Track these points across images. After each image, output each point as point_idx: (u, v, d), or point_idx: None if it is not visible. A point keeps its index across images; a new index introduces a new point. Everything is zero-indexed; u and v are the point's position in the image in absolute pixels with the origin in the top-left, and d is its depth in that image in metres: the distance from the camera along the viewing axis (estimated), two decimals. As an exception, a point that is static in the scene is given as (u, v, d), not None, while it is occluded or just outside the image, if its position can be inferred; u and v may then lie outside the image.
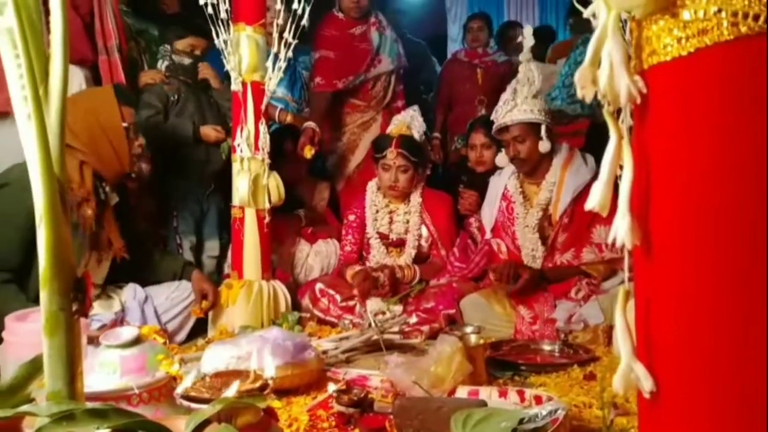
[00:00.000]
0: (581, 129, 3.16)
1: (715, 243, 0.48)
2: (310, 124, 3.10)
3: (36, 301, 1.84)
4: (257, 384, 1.08)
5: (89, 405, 0.85)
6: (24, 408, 0.88)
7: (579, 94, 0.53)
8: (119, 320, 2.04)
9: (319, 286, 2.72)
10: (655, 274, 0.52)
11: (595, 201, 0.53)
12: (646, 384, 0.51)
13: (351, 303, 2.65)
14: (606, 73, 0.51)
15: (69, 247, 0.89)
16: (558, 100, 3.18)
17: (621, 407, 1.20)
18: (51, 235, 0.87)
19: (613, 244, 1.99)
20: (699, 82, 0.48)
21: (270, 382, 1.11)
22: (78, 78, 2.56)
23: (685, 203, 0.49)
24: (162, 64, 2.93)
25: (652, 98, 0.51)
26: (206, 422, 0.89)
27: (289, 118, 3.23)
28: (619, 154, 0.53)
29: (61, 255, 0.88)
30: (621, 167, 0.55)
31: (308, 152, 3.00)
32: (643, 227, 0.52)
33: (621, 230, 0.52)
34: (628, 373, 0.52)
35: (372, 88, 3.36)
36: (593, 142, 2.98)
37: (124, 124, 2.15)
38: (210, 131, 2.82)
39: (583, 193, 2.45)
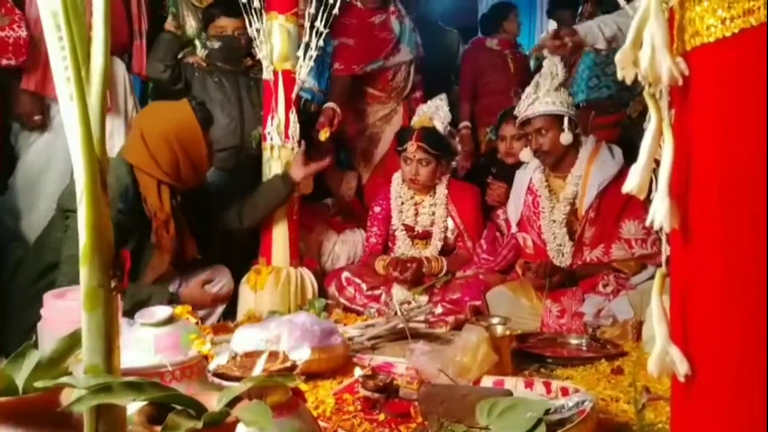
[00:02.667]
0: (621, 120, 3.12)
1: (757, 228, 0.47)
2: (331, 104, 3.07)
3: None
4: (286, 364, 1.10)
5: (126, 378, 0.87)
6: (63, 380, 0.91)
7: (619, 75, 0.53)
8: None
9: (345, 274, 2.74)
10: (693, 257, 0.51)
11: (633, 183, 0.52)
12: (682, 367, 0.51)
13: (376, 292, 2.67)
14: (648, 55, 0.50)
15: (108, 225, 0.91)
16: (580, 93, 3.15)
17: (653, 392, 1.18)
18: (91, 213, 0.90)
19: (644, 240, 1.97)
20: (743, 64, 0.47)
21: (299, 363, 1.13)
22: (121, 70, 2.62)
23: (726, 186, 0.49)
24: (203, 52, 2.97)
25: (695, 80, 0.51)
26: (237, 399, 0.92)
27: (314, 109, 3.25)
28: (659, 136, 0.52)
29: (100, 233, 0.90)
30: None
31: (323, 135, 2.90)
32: (682, 210, 0.52)
33: (659, 213, 0.51)
34: (663, 356, 0.52)
35: (392, 78, 3.33)
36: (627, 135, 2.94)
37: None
38: None
39: (609, 187, 2.42)
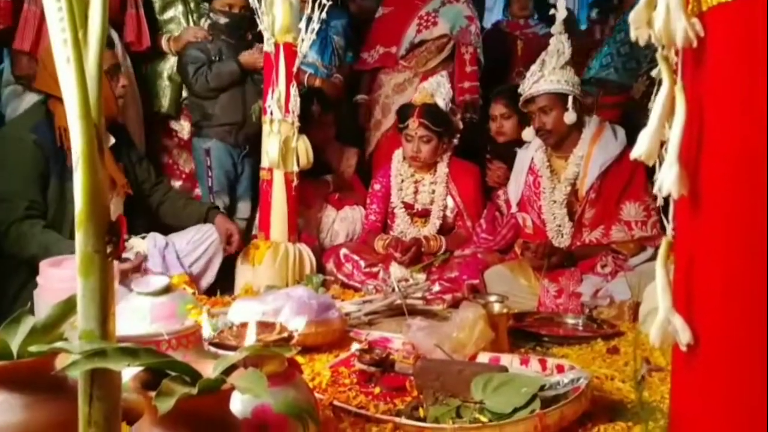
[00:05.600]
0: (624, 101, 3.09)
1: None
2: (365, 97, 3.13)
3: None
4: (283, 335, 1.10)
5: (121, 344, 0.87)
6: (58, 344, 0.90)
7: (632, 35, 0.51)
8: (140, 267, 2.08)
9: (343, 251, 2.74)
10: (701, 226, 0.50)
11: (641, 149, 0.51)
12: (684, 336, 0.50)
13: (374, 269, 2.67)
14: (662, 16, 0.48)
15: (105, 190, 0.89)
16: (592, 69, 3.13)
17: (653, 363, 1.18)
18: (87, 177, 0.89)
19: (644, 222, 1.97)
20: (762, 24, 0.46)
21: (295, 334, 1.13)
22: (115, 39, 2.58)
23: (741, 153, 0.47)
24: (205, 23, 2.92)
25: (710, 42, 0.49)
26: (233, 367, 0.91)
27: (317, 83, 3.21)
28: (671, 101, 0.51)
29: (96, 198, 0.89)
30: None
31: None
32: (692, 177, 0.50)
33: (668, 179, 0.50)
34: (665, 325, 0.51)
35: (418, 44, 3.27)
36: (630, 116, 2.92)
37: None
38: (249, 57, 2.76)
39: (610, 168, 2.41)
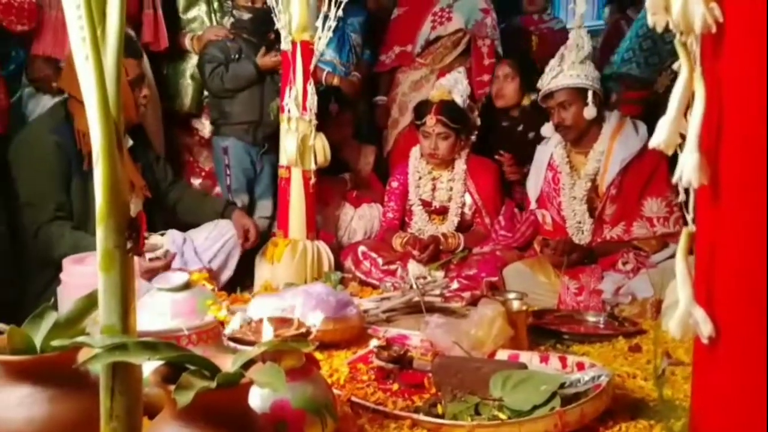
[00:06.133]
0: (647, 97, 3.05)
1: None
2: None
3: None
4: (301, 330, 1.11)
5: (141, 339, 0.88)
6: (80, 339, 0.92)
7: (650, 21, 0.50)
8: (170, 265, 2.09)
9: (362, 249, 2.74)
10: (722, 216, 0.49)
11: (660, 138, 0.50)
12: (705, 329, 0.49)
13: (392, 266, 2.66)
14: (680, 1, 0.47)
15: (125, 186, 0.91)
16: (614, 64, 3.09)
17: (674, 358, 1.16)
18: (107, 174, 0.90)
19: (666, 218, 1.93)
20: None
21: (313, 330, 1.13)
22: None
23: (761, 140, 0.46)
24: (228, 21, 2.93)
25: (730, 27, 0.48)
26: (251, 362, 0.92)
27: (336, 81, 3.21)
28: (689, 88, 0.49)
29: (116, 193, 0.90)
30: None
31: None
32: (712, 166, 0.49)
33: (688, 168, 0.49)
34: (686, 318, 0.50)
35: (434, 41, 3.25)
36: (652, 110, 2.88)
37: (128, 78, 2.14)
38: (267, 60, 2.78)
39: (632, 164, 2.37)
